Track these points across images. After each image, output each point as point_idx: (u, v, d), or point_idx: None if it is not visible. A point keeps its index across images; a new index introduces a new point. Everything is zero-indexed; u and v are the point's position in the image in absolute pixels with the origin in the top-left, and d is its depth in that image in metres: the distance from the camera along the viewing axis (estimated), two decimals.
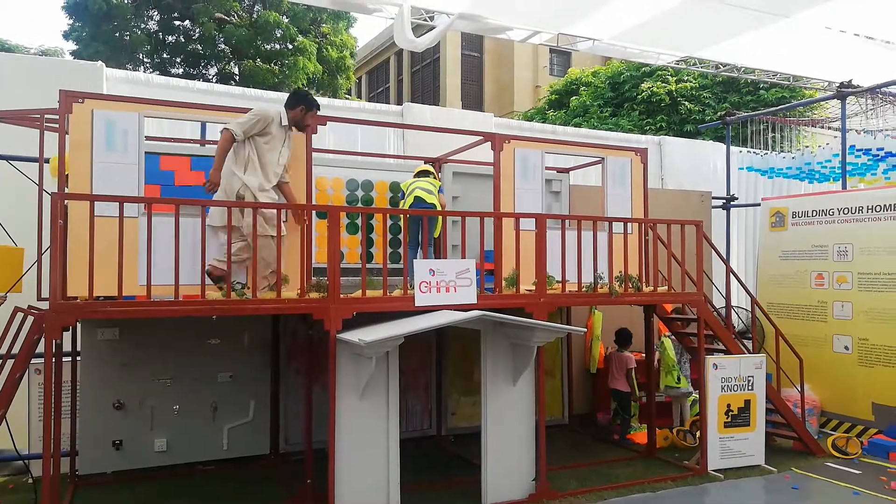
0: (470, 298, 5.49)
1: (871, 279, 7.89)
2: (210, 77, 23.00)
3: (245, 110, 5.48)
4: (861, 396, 7.92)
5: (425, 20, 8.72)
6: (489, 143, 6.50)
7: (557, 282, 6.03)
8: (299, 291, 5.06)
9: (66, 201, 4.66)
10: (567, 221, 6.28)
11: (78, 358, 6.13)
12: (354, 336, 4.73)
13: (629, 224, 6.71)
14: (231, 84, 22.52)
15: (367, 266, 5.56)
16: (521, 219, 6.07)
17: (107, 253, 4.64)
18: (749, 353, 7.23)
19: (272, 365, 6.89)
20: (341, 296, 5.11)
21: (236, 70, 22.97)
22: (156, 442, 6.39)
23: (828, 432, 8.08)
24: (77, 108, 4.95)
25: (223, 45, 22.21)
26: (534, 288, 5.93)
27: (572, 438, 7.88)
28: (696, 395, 8.28)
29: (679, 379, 7.86)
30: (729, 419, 6.76)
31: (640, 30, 9.65)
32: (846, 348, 8.12)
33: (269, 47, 21.87)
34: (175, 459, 6.48)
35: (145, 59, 22.09)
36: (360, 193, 7.32)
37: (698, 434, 7.53)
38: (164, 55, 22.32)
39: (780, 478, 6.51)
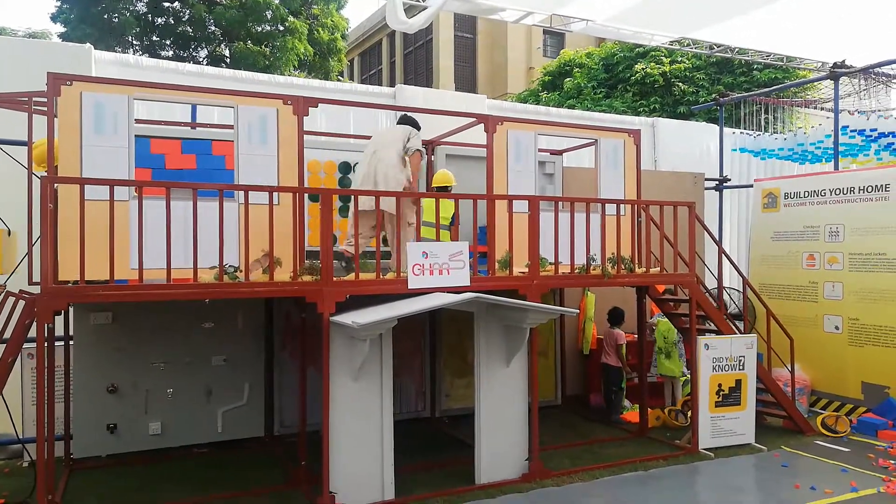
0: (463, 281, 5.49)
1: (862, 260, 7.94)
2: (200, 59, 22.75)
3: (237, 92, 5.44)
4: (851, 375, 8.00)
5: (417, 1, 8.64)
6: (482, 125, 6.48)
7: (550, 264, 6.04)
8: (292, 274, 5.05)
9: (55, 185, 4.62)
10: (560, 203, 6.27)
11: (71, 342, 6.13)
12: (348, 319, 4.74)
13: (622, 205, 6.72)
14: (222, 66, 22.36)
15: (361, 249, 5.56)
16: (514, 201, 6.06)
17: (97, 237, 4.61)
18: (741, 333, 7.29)
19: (266, 348, 6.91)
20: (334, 279, 5.11)
21: (227, 52, 22.75)
22: (150, 425, 6.41)
23: (818, 411, 8.17)
24: (65, 90, 4.89)
25: (213, 27, 21.95)
26: (527, 270, 5.94)
27: (565, 419, 7.94)
28: (688, 376, 8.36)
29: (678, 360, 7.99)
30: (720, 398, 6.82)
31: (633, 11, 9.59)
32: (837, 328, 8.19)
33: (259, 29, 21.63)
34: (170, 442, 6.50)
35: (134, 42, 21.83)
36: (352, 176, 7.29)
37: (689, 413, 7.63)
38: (154, 37, 22.05)
39: (770, 456, 6.60)
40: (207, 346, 6.63)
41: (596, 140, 7.09)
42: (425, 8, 9.04)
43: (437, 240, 5.85)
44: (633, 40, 10.92)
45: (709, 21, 10.23)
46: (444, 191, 6.79)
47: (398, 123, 6.75)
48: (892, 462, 6.27)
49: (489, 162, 6.44)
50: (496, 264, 5.83)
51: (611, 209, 6.58)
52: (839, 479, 5.88)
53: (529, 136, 6.69)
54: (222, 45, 22.72)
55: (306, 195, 5.78)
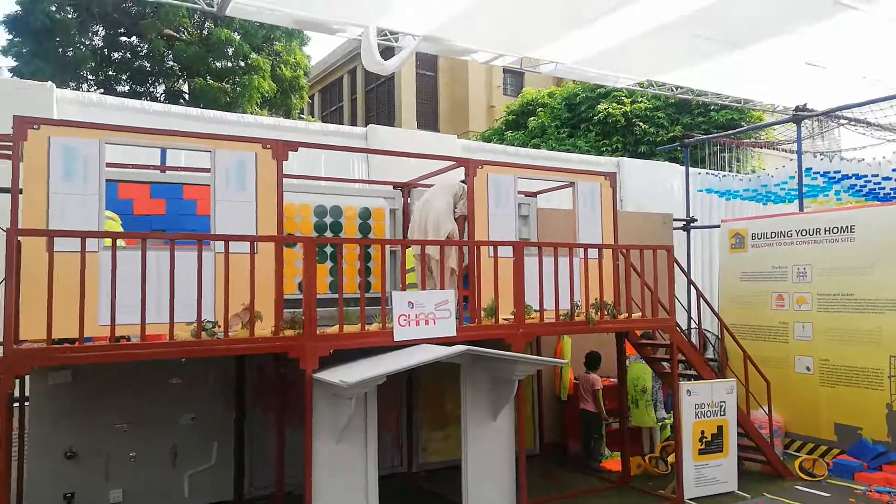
0: (449, 331, 5.34)
1: (830, 300, 8.09)
2: (158, 95, 22.32)
3: (214, 136, 5.24)
4: (824, 417, 8.08)
5: (390, 42, 8.61)
6: (461, 167, 6.42)
7: (535, 311, 5.94)
8: (273, 329, 4.81)
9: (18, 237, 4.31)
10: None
11: (26, 404, 5.70)
12: (333, 376, 4.53)
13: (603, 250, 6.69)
14: (181, 102, 21.96)
15: (337, 297, 5.32)
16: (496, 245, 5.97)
17: (63, 291, 4.31)
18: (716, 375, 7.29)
19: (237, 404, 6.56)
20: (317, 332, 4.89)
21: (186, 88, 22.38)
22: (111, 493, 5.97)
23: (792, 453, 8.22)
24: (32, 134, 4.62)
25: (172, 63, 21.60)
26: (511, 317, 5.83)
27: (545, 468, 7.76)
28: (666, 420, 8.32)
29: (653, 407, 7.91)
30: (703, 446, 6.77)
31: (601, 55, 9.78)
32: (808, 369, 8.29)
33: (220, 65, 21.38)
34: None
35: (89, 77, 21.28)
36: (328, 220, 7.11)
37: (670, 460, 7.57)
38: (110, 72, 21.55)
39: None
40: (174, 405, 6.26)
41: (573, 183, 7.09)
42: (396, 48, 9.06)
43: (423, 282, 5.68)
44: (599, 81, 11.13)
45: (673, 66, 10.51)
46: None
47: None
48: None
49: (470, 206, 6.34)
50: (482, 312, 5.70)
51: (592, 253, 6.55)
52: None
53: (509, 179, 6.63)
54: (181, 81, 22.35)
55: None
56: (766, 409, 7.72)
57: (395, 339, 5.13)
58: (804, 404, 8.25)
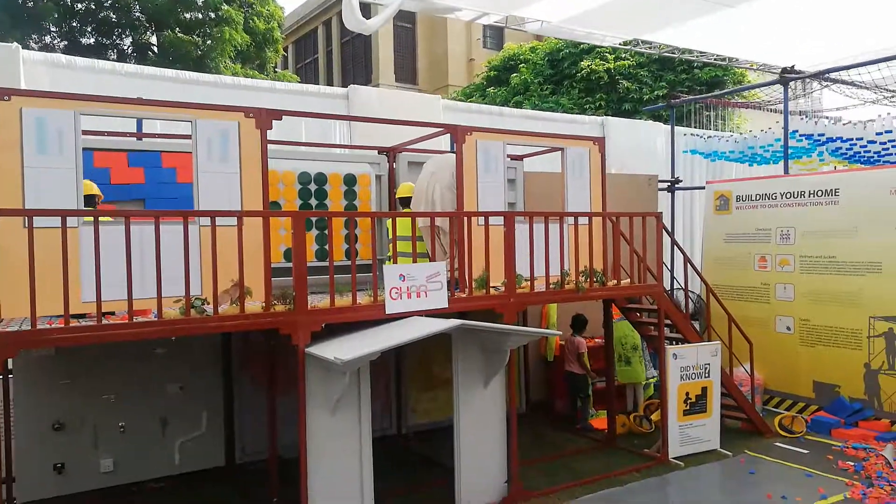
0: (441, 303, 5.31)
1: (813, 262, 8.20)
2: (125, 47, 21.48)
3: (195, 105, 5.04)
4: (803, 375, 8.28)
5: (373, 1, 8.32)
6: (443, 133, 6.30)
7: (526, 280, 5.92)
8: (264, 304, 4.73)
9: None
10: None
11: (10, 377, 5.60)
12: (327, 352, 4.48)
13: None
14: (149, 55, 21.18)
15: (324, 265, 5.23)
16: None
17: (43, 268, 4.17)
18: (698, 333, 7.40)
19: (225, 372, 6.53)
20: (308, 306, 4.82)
21: (154, 40, 21.56)
22: (101, 462, 5.96)
23: (771, 409, 8.44)
24: (3, 106, 4.39)
25: (139, 14, 20.74)
26: (502, 287, 5.80)
27: (532, 428, 7.89)
28: (650, 379, 8.47)
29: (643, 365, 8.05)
30: (688, 407, 6.91)
31: (588, 14, 9.56)
32: (788, 329, 8.45)
33: (189, 16, 20.58)
34: (123, 479, 6.07)
35: (53, 28, 20.38)
36: (313, 187, 6.95)
37: (654, 418, 7.73)
38: (74, 23, 20.64)
39: (736, 462, 6.73)
40: (161, 374, 6.21)
41: (563, 149, 7.00)
42: (379, 5, 8.75)
43: (414, 251, 5.60)
44: (586, 40, 10.94)
45: (661, 24, 10.33)
46: (407, 202, 6.63)
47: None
48: (851, 464, 6.49)
49: (458, 173, 6.24)
50: (473, 283, 5.66)
51: (581, 219, 6.51)
52: (806, 484, 6.04)
53: (498, 145, 6.52)
54: (148, 33, 21.51)
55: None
56: (748, 368, 7.88)
57: (387, 312, 5.09)
58: (784, 363, 8.43)
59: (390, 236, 6.41)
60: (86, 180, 5.16)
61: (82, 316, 4.48)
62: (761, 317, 8.71)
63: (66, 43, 20.73)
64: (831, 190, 8.02)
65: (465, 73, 29.08)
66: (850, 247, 7.80)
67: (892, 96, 10.65)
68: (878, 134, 8.62)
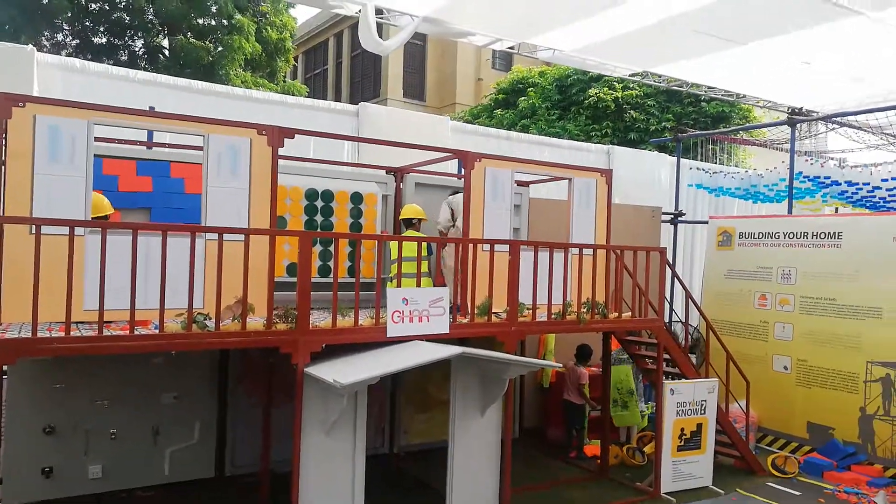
0: (443, 328, 5.31)
1: (813, 303, 8.21)
2: (136, 49, 21.61)
3: (208, 120, 5.06)
4: (798, 415, 8.27)
5: (387, 20, 8.39)
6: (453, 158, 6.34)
7: (528, 308, 5.92)
8: (266, 322, 4.72)
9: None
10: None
11: (4, 377, 5.56)
12: (327, 374, 4.47)
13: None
14: (160, 59, 21.30)
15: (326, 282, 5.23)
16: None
17: (46, 274, 4.17)
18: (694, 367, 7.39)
19: (220, 384, 6.50)
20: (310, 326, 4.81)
21: (166, 44, 21.69)
22: (90, 468, 5.90)
23: (764, 447, 8.42)
24: (17, 112, 4.41)
25: (152, 17, 20.87)
26: (504, 315, 5.81)
27: (525, 454, 7.83)
28: (644, 411, 8.45)
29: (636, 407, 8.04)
30: (682, 443, 6.89)
31: (600, 45, 9.65)
32: (785, 368, 8.44)
33: (202, 22, 20.72)
34: (111, 486, 6.01)
35: (65, 27, 20.50)
36: (319, 204, 6.96)
37: (647, 450, 7.70)
38: (87, 22, 20.77)
39: (728, 500, 6.71)
40: (156, 383, 6.17)
41: (570, 179, 7.03)
42: (394, 26, 8.83)
43: (419, 272, 5.61)
44: (597, 70, 11.01)
45: (670, 58, 10.41)
46: (410, 223, 6.66)
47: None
48: None
49: (466, 199, 6.26)
50: (475, 310, 5.66)
51: (586, 251, 6.53)
52: None
53: (507, 173, 6.56)
54: (160, 36, 21.65)
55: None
56: (743, 405, 7.86)
57: (388, 335, 5.08)
58: (779, 401, 8.42)
59: (393, 257, 6.44)
60: (99, 196, 5.18)
61: (81, 323, 4.48)
62: (759, 354, 8.71)
63: (77, 41, 20.85)
64: (835, 233, 8.06)
65: (473, 92, 29.26)
66: (851, 290, 7.82)
67: None
68: (883, 180, 8.67)
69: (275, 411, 6.25)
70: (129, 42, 21.59)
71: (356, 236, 5.28)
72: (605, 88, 17.61)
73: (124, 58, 20.99)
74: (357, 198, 7.11)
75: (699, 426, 7.00)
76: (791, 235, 8.50)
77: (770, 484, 7.22)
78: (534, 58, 10.11)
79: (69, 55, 19.03)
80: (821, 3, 7.63)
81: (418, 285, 5.45)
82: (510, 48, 9.77)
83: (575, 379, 7.84)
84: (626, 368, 8.03)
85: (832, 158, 10.93)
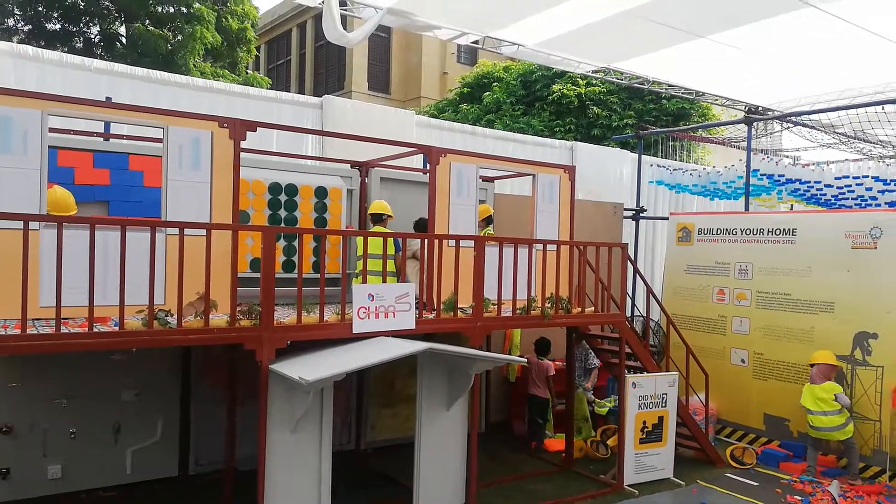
0: (409, 324, 5.31)
1: (769, 298, 8.44)
2: (92, 36, 20.95)
3: (168, 112, 4.95)
4: (754, 407, 8.50)
5: (350, 13, 8.31)
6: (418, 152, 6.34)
7: (493, 304, 5.96)
8: (229, 318, 4.65)
9: None
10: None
11: None
12: (292, 370, 4.43)
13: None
14: (117, 47, 20.71)
15: (291, 277, 5.18)
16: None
17: (1, 270, 4.04)
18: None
19: (183, 380, 6.39)
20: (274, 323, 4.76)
21: (123, 31, 21.09)
22: (49, 469, 5.76)
23: (723, 439, 8.64)
24: None
25: (108, 2, 20.27)
26: (470, 310, 5.83)
27: (491, 448, 7.90)
28: (607, 403, 8.60)
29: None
30: (644, 435, 7.03)
31: (563, 38, 9.73)
32: (743, 361, 8.67)
33: (161, 10, 20.21)
34: (71, 487, 5.88)
35: (17, 12, 19.77)
36: (283, 198, 6.88)
37: (610, 443, 7.84)
38: (39, 7, 20.06)
39: (688, 492, 6.87)
40: (117, 380, 6.04)
41: (534, 175, 7.09)
42: (357, 18, 8.76)
43: (384, 270, 5.59)
44: (561, 66, 11.10)
45: (631, 52, 10.55)
46: (379, 218, 6.62)
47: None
48: (799, 498, 6.68)
49: (431, 195, 6.27)
50: (441, 306, 5.67)
51: (549, 247, 6.59)
52: None
53: (472, 168, 6.58)
54: (117, 23, 21.03)
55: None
56: (703, 398, 8.06)
57: (354, 332, 5.06)
58: (737, 394, 8.65)
59: (360, 252, 6.41)
60: (65, 193, 5.03)
61: (38, 320, 4.35)
62: (717, 348, 8.92)
63: (30, 27, 20.13)
64: (789, 230, 8.29)
65: (439, 86, 29.22)
66: (805, 285, 8.06)
67: (848, 141, 11.09)
68: (835, 178, 8.94)
69: (239, 408, 6.18)
70: (85, 29, 20.90)
71: (321, 231, 5.23)
72: (569, 84, 17.78)
73: (79, 45, 20.34)
74: (321, 192, 7.05)
75: (660, 419, 7.15)
76: (748, 232, 8.72)
77: (729, 475, 7.41)
78: (498, 53, 10.13)
79: (21, 42, 18.37)
80: None
81: (384, 283, 5.43)
82: (474, 43, 9.79)
83: (542, 371, 7.93)
84: (581, 395, 8.18)
85: (787, 156, 11.26)
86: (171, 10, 20.24)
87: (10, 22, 20.09)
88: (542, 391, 7.94)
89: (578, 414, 8.10)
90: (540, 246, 6.43)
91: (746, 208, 9.43)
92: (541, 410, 8.01)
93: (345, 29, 8.34)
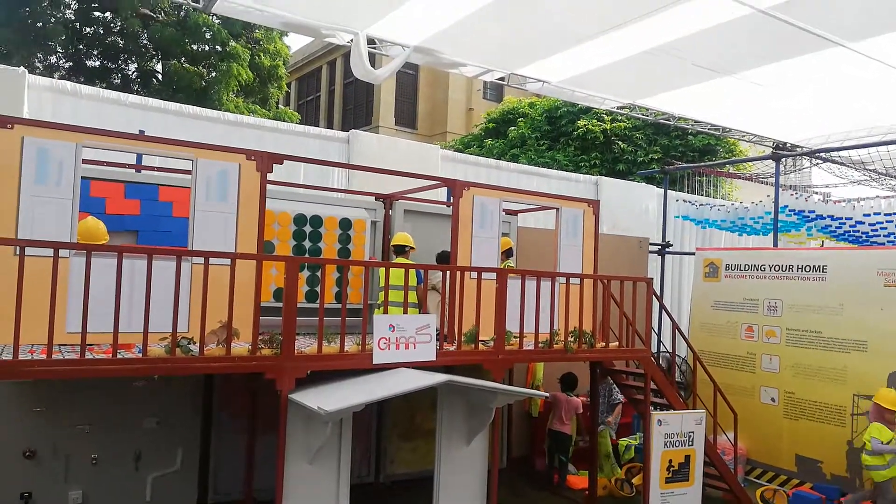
0: (429, 355, 5.28)
1: (799, 335, 8.25)
2: (130, 73, 21.71)
3: (197, 145, 5.07)
4: (785, 448, 8.24)
5: (378, 51, 8.48)
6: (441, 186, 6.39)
7: (515, 337, 5.91)
8: (251, 347, 4.68)
9: None
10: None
11: None
12: (311, 400, 4.42)
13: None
14: (154, 83, 21.40)
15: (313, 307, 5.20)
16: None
17: (30, 297, 4.13)
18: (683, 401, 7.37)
19: (204, 409, 6.41)
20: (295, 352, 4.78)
21: (159, 68, 21.81)
22: (70, 494, 5.77)
23: (752, 480, 8.37)
24: (5, 134, 4.41)
25: (146, 41, 21.02)
26: (491, 343, 5.79)
27: (512, 484, 7.76)
28: (632, 441, 8.41)
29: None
30: (670, 474, 6.84)
31: (588, 75, 9.77)
32: (773, 400, 8.44)
33: (196, 48, 20.88)
34: None
35: (59, 49, 20.58)
36: (307, 229, 6.97)
37: (635, 482, 7.64)
38: (81, 46, 20.88)
39: None
40: (138, 408, 6.07)
41: (557, 209, 7.09)
42: (385, 55, 8.93)
43: (406, 301, 5.59)
44: (585, 102, 11.13)
45: (656, 89, 10.54)
46: (401, 250, 6.65)
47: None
48: None
49: (454, 227, 6.29)
50: (462, 337, 5.64)
51: (573, 280, 6.55)
52: None
53: (495, 202, 6.60)
54: (154, 61, 21.77)
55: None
56: (731, 437, 7.84)
57: (374, 363, 5.05)
58: (767, 434, 8.40)
59: (381, 284, 6.43)
60: (97, 222, 5.15)
61: (64, 345, 4.42)
62: (746, 386, 8.71)
63: (70, 64, 20.93)
64: (820, 266, 8.13)
65: (464, 121, 29.55)
66: (836, 323, 7.86)
67: (879, 178, 10.91)
68: (865, 215, 8.78)
69: (259, 438, 6.17)
70: (123, 66, 21.70)
71: (343, 262, 5.26)
72: (594, 120, 17.84)
73: (117, 81, 21.08)
74: (346, 224, 7.12)
75: (687, 458, 6.95)
76: (777, 268, 8.57)
77: None
78: (523, 89, 10.23)
79: (62, 78, 19.10)
80: (801, 34, 7.76)
81: (405, 314, 5.43)
82: (500, 80, 9.89)
83: (571, 408, 7.79)
84: (604, 432, 8.03)
85: (816, 192, 11.08)
86: (207, 48, 20.92)
87: (53, 59, 20.92)
88: (566, 427, 7.79)
89: (601, 450, 7.94)
90: (562, 279, 6.39)
91: (775, 245, 9.28)
92: (564, 447, 7.85)
93: (372, 66, 8.53)
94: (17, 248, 4.09)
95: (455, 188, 6.29)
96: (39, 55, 20.18)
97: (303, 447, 4.76)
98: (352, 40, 7.94)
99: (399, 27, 7.89)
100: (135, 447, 6.06)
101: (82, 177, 5.41)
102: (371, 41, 8.32)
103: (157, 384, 6.07)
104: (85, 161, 6.00)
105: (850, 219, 8.95)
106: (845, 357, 7.74)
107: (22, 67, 7.21)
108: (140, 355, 4.37)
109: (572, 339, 6.24)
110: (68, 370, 4.12)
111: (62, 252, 4.33)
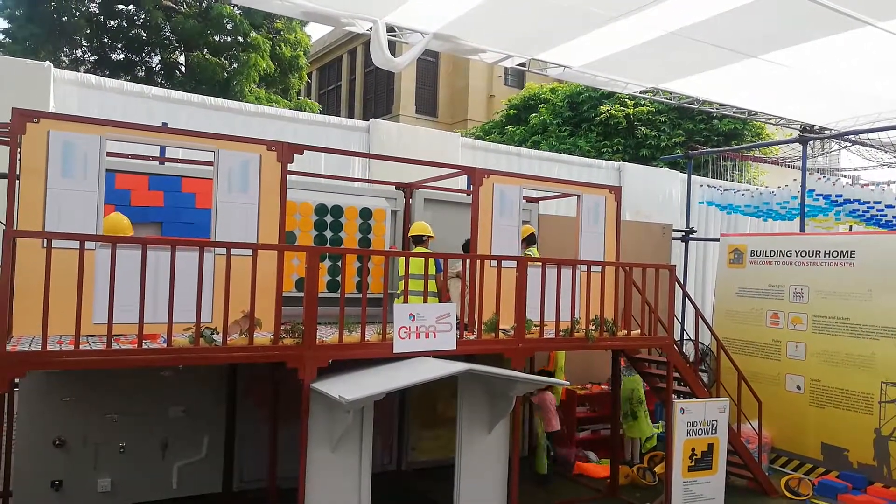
0: (449, 344, 5.30)
1: (825, 322, 8.11)
2: (153, 65, 21.95)
3: (219, 136, 5.12)
4: (811, 436, 8.14)
5: (398, 38, 8.47)
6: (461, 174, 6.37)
7: (535, 325, 5.90)
8: (273, 337, 4.74)
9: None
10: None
11: (15, 389, 5.61)
12: (332, 389, 4.46)
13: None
14: (177, 75, 21.63)
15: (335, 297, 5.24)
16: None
17: (56, 287, 4.21)
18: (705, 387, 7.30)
19: (229, 398, 6.51)
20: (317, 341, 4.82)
21: (182, 60, 22.02)
22: (99, 482, 5.92)
23: (777, 468, 8.28)
24: (31, 128, 4.49)
25: (169, 34, 21.22)
26: (511, 331, 5.78)
27: (534, 472, 7.76)
28: (654, 430, 8.35)
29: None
30: (693, 463, 6.78)
31: (610, 60, 9.66)
32: (798, 388, 8.33)
33: (218, 39, 21.04)
34: (120, 500, 6.01)
35: (84, 43, 20.87)
36: (328, 219, 7.00)
37: (657, 470, 7.61)
38: (105, 39, 21.16)
39: None
40: (165, 397, 6.19)
41: (579, 196, 7.03)
42: (405, 43, 8.91)
43: (426, 290, 5.62)
44: (607, 87, 11.02)
45: (682, 73, 10.40)
46: (420, 240, 6.66)
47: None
48: None
49: (474, 215, 6.28)
50: (482, 326, 5.64)
51: (594, 268, 6.50)
52: None
53: (515, 189, 6.57)
54: (177, 53, 21.99)
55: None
56: (755, 425, 7.76)
57: (395, 351, 5.08)
58: (792, 422, 8.29)
59: (401, 273, 6.45)
60: (120, 216, 5.23)
61: (91, 336, 4.52)
62: (771, 374, 8.60)
63: (96, 58, 21.23)
64: (847, 251, 7.97)
65: (485, 108, 29.40)
66: (865, 310, 7.72)
67: None
68: None
69: (282, 426, 6.25)
70: (147, 58, 21.96)
71: (364, 252, 5.28)
72: (617, 105, 17.63)
73: (141, 74, 21.34)
74: (366, 213, 7.15)
75: (710, 446, 6.89)
76: (803, 254, 8.42)
77: None
78: (544, 75, 10.15)
79: (88, 71, 19.38)
80: (828, 13, 7.57)
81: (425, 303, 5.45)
82: (520, 65, 9.82)
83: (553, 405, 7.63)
84: (637, 378, 7.91)
85: (845, 176, 10.86)
86: (228, 39, 21.07)
87: (78, 53, 21.23)
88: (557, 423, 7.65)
89: (634, 396, 7.85)
90: (584, 267, 6.35)
91: (802, 229, 9.12)
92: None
93: (392, 54, 8.52)
94: (45, 240, 4.16)
95: (475, 176, 6.27)
96: (65, 49, 20.50)
97: (325, 435, 4.81)
98: (371, 28, 7.94)
99: (418, 14, 7.87)
100: (161, 436, 6.19)
101: (107, 169, 5.51)
102: (390, 29, 8.31)
103: (184, 374, 6.18)
104: (109, 154, 6.13)
105: (879, 202, 8.75)
106: (873, 344, 7.60)
107: (47, 62, 7.32)
108: (165, 345, 4.44)
109: (593, 328, 6.21)
110: (95, 360, 4.20)
111: (88, 244, 4.41)
